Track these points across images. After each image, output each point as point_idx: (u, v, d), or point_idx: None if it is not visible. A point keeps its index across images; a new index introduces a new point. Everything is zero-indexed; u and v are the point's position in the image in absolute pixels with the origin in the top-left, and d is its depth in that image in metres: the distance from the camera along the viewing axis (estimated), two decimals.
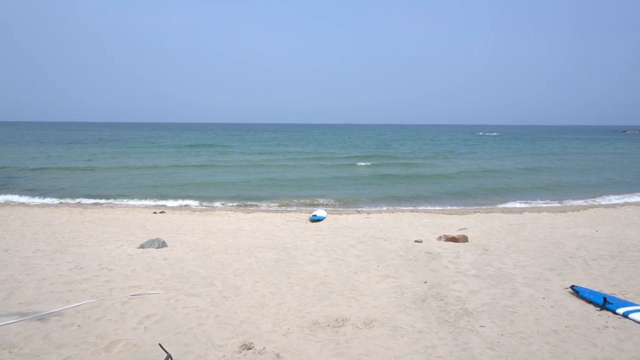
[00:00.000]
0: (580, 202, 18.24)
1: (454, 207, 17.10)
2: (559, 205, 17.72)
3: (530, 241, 10.15)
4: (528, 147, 57.61)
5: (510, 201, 18.42)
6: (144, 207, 16.24)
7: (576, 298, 6.47)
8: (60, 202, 17.07)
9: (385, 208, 16.76)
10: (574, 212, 15.63)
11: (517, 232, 11.32)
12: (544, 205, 17.67)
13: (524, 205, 17.53)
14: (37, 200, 17.52)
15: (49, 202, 17.08)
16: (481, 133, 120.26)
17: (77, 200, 17.59)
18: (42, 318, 5.43)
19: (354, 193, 19.98)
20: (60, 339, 4.92)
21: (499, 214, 15.18)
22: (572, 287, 6.76)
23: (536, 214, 15.05)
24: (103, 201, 17.43)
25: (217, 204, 17.35)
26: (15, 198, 17.78)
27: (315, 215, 13.38)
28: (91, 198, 17.97)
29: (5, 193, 18.66)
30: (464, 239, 10.25)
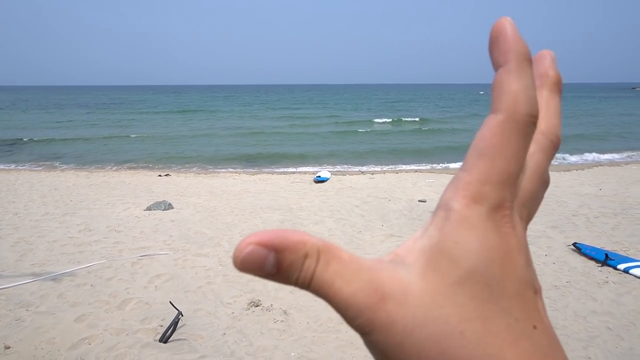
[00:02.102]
0: (585, 160, 18.18)
1: (454, 167, 17.08)
2: (563, 163, 17.68)
3: None
4: None
5: None
6: (148, 170, 16.33)
7: (578, 255, 6.56)
8: (67, 167, 17.18)
9: (388, 167, 16.77)
10: (578, 170, 15.58)
11: None
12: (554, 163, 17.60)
13: None
14: (44, 164, 17.64)
15: (56, 167, 17.19)
16: (482, 92, 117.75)
17: (85, 165, 17.70)
18: (56, 278, 5.59)
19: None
20: (74, 297, 5.09)
21: None
22: (574, 244, 6.84)
23: None
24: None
25: (223, 166, 17.41)
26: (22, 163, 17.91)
27: (319, 176, 13.42)
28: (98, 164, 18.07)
29: (12, 159, 18.78)
30: None
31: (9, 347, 4.11)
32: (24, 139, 24.14)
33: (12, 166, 17.18)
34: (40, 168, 16.89)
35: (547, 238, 7.37)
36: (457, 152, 19.86)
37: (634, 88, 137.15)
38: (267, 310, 4.93)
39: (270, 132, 27.87)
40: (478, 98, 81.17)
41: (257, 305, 5.02)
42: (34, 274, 5.71)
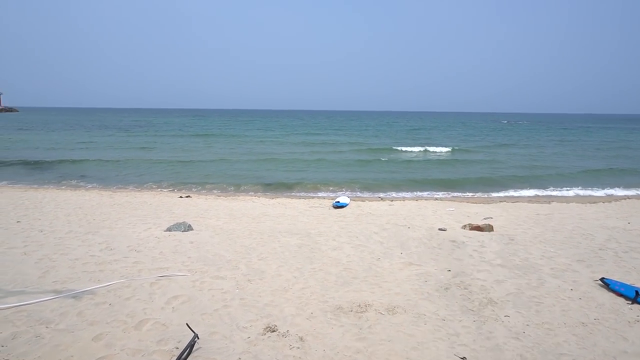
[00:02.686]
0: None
1: (478, 195, 16.84)
2: (590, 196, 17.24)
3: (558, 232, 9.92)
4: (584, 138, 50.70)
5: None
6: (170, 192, 16.58)
7: (606, 291, 6.31)
8: (91, 186, 17.59)
9: (408, 195, 16.64)
10: (605, 203, 15.18)
11: (545, 222, 11.08)
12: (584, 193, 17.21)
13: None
14: (69, 183, 18.10)
15: (81, 186, 17.63)
16: (505, 121, 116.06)
17: (108, 186, 18.10)
18: (76, 296, 5.64)
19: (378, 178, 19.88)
20: (93, 316, 5.12)
21: (526, 203, 14.88)
22: (602, 279, 6.59)
23: (564, 204, 14.70)
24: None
25: (242, 188, 17.55)
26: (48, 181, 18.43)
27: (338, 202, 13.40)
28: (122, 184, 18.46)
29: (40, 177, 19.35)
30: (489, 228, 10.11)
31: None
32: (52, 159, 24.88)
33: (39, 185, 17.68)
34: (66, 187, 17.35)
35: (572, 272, 7.12)
36: (485, 182, 19.61)
37: None
38: (283, 336, 4.86)
39: (290, 157, 28.11)
40: (502, 127, 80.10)
41: (274, 331, 4.95)
42: (55, 291, 5.78)
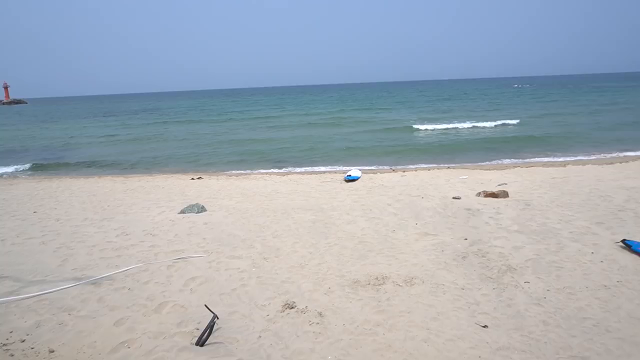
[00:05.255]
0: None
1: (492, 162, 16.60)
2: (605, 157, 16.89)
3: (575, 195, 9.73)
4: (600, 99, 47.58)
5: None
6: (182, 174, 16.63)
7: (628, 252, 6.18)
8: (104, 173, 17.74)
9: (421, 166, 16.47)
10: (622, 163, 14.84)
11: (561, 185, 10.87)
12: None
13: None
14: (82, 171, 18.28)
15: (94, 173, 17.78)
16: (516, 85, 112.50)
17: (122, 171, 18.23)
18: (96, 282, 5.70)
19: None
20: (113, 301, 5.18)
21: (540, 167, 14.62)
22: (623, 241, 6.46)
23: (580, 166, 14.40)
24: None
25: (254, 168, 17.57)
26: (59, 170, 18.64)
27: (349, 175, 13.31)
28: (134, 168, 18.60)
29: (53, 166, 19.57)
30: (504, 195, 9.96)
31: (53, 351, 4.21)
32: (65, 145, 25.08)
33: (52, 173, 17.88)
34: (80, 174, 17.51)
35: (592, 235, 7.00)
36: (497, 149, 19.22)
37: None
38: (302, 312, 4.87)
39: (299, 133, 27.93)
40: (519, 91, 76.64)
41: (292, 307, 4.96)
42: (75, 279, 5.85)
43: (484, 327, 4.39)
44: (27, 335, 4.49)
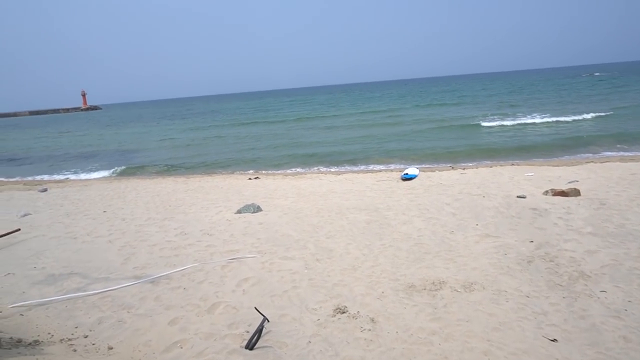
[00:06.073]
0: None
1: (562, 158, 15.45)
2: None
3: None
4: None
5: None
6: (240, 174, 17.02)
7: None
8: (167, 173, 18.59)
9: (483, 162, 15.68)
10: None
11: None
12: None
13: None
14: (149, 172, 19.26)
15: (158, 173, 18.68)
16: (598, 73, 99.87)
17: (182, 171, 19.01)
18: (154, 281, 5.89)
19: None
20: (169, 300, 5.31)
21: (618, 162, 13.36)
22: None
23: None
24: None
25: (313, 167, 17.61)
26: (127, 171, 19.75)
27: (406, 174, 12.92)
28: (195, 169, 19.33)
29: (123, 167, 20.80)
30: (575, 193, 9.17)
31: (111, 348, 4.37)
32: (133, 149, 26.64)
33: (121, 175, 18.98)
34: (145, 175, 18.47)
35: None
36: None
37: None
38: (353, 317, 4.70)
39: (356, 131, 27.70)
40: (596, 82, 64.66)
41: (343, 312, 4.82)
42: (135, 277, 6.09)
43: (552, 340, 3.99)
44: (90, 331, 4.70)
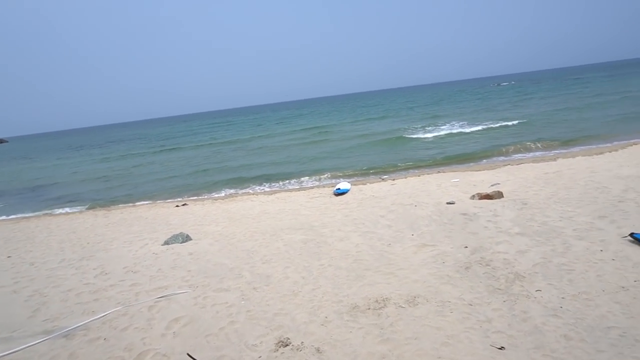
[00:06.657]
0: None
1: (481, 163, 16.34)
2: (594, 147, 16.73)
3: (571, 189, 9.43)
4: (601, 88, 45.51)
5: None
6: (166, 202, 16.06)
7: (638, 247, 5.83)
8: (84, 208, 17.08)
9: (411, 172, 16.13)
10: (612, 152, 14.66)
11: (555, 180, 10.57)
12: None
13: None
14: (64, 209, 17.59)
15: (74, 208, 17.11)
16: (508, 83, 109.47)
17: (103, 204, 17.59)
18: (68, 334, 5.17)
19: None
20: (86, 356, 4.64)
21: (531, 164, 14.35)
22: (631, 234, 6.12)
23: (570, 159, 14.17)
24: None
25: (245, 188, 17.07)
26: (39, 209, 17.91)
27: (339, 189, 12.89)
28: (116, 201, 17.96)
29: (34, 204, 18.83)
30: (499, 195, 9.62)
31: None
32: (44, 184, 24.34)
33: (31, 214, 17.16)
34: (60, 211, 16.84)
35: (597, 230, 6.65)
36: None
37: None
38: (297, 349, 4.39)
39: (280, 146, 27.50)
40: (503, 90, 74.42)
41: (286, 345, 4.48)
42: (45, 332, 5.30)
43: (500, 349, 3.96)
44: None
